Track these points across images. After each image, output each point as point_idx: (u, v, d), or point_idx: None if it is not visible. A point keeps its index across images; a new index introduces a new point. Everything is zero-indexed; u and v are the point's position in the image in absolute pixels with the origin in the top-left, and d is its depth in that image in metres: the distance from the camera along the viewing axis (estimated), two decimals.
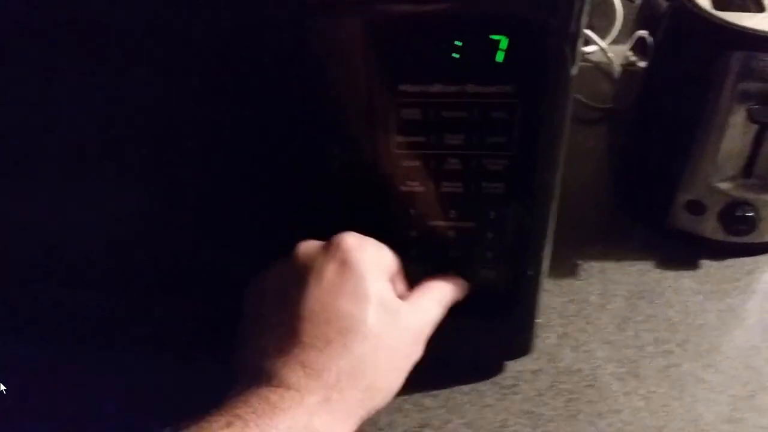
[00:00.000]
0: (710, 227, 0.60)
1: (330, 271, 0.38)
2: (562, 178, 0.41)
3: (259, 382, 0.36)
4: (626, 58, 0.74)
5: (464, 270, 0.45)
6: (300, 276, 0.38)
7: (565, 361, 0.54)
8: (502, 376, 0.53)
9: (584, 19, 0.35)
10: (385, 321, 0.38)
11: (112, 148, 0.43)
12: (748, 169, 0.57)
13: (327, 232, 0.40)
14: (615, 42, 0.83)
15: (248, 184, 0.44)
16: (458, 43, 0.35)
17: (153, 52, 0.38)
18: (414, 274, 0.43)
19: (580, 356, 0.54)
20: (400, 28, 0.35)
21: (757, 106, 0.53)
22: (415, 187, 0.41)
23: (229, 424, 0.33)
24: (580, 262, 0.61)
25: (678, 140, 0.59)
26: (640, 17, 0.70)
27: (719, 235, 0.60)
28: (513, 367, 0.53)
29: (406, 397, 0.51)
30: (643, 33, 0.64)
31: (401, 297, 0.41)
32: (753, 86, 0.53)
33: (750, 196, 0.57)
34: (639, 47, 0.65)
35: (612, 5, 0.82)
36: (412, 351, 0.40)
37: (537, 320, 0.49)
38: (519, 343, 0.50)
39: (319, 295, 0.37)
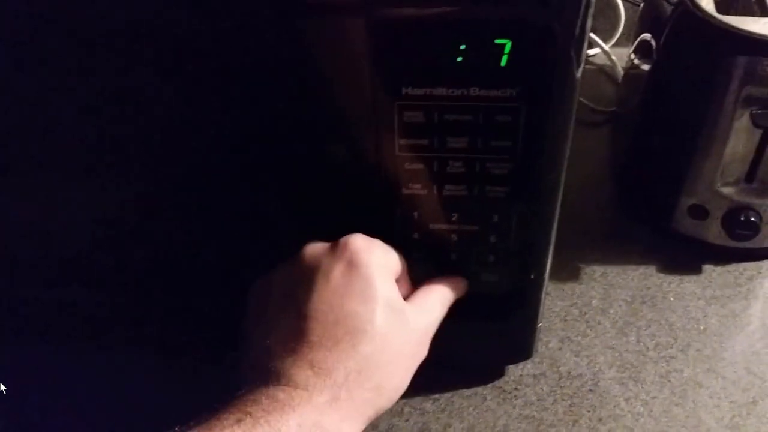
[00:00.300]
0: (713, 232, 0.60)
1: (337, 271, 0.38)
2: (564, 181, 0.41)
3: (267, 382, 0.36)
4: (629, 60, 0.73)
5: (467, 273, 0.44)
6: (307, 277, 0.38)
7: (566, 365, 0.53)
8: (503, 380, 0.53)
9: (589, 22, 0.35)
10: (392, 322, 0.38)
11: (113, 147, 0.43)
12: (751, 174, 0.57)
13: (329, 235, 0.40)
14: (617, 44, 0.83)
15: (250, 185, 0.44)
16: (462, 46, 0.35)
17: (154, 53, 0.38)
18: (416, 276, 0.43)
19: (582, 361, 0.54)
20: (405, 31, 0.34)
21: (760, 111, 0.53)
22: (418, 190, 0.41)
23: (239, 421, 0.33)
24: (582, 265, 0.61)
25: (681, 144, 0.58)
26: (643, 20, 0.70)
27: (722, 240, 0.60)
28: (514, 371, 0.53)
29: (406, 400, 0.51)
30: (646, 36, 0.64)
31: (405, 298, 0.41)
32: (757, 91, 0.53)
33: (753, 201, 0.57)
34: (642, 50, 0.65)
35: (615, 8, 0.82)
36: (418, 351, 0.40)
37: (539, 324, 0.49)
38: (521, 347, 0.50)
39: (326, 295, 0.37)
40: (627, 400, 0.51)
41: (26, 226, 0.47)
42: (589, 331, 0.56)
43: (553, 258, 0.45)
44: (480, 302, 0.46)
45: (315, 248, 0.40)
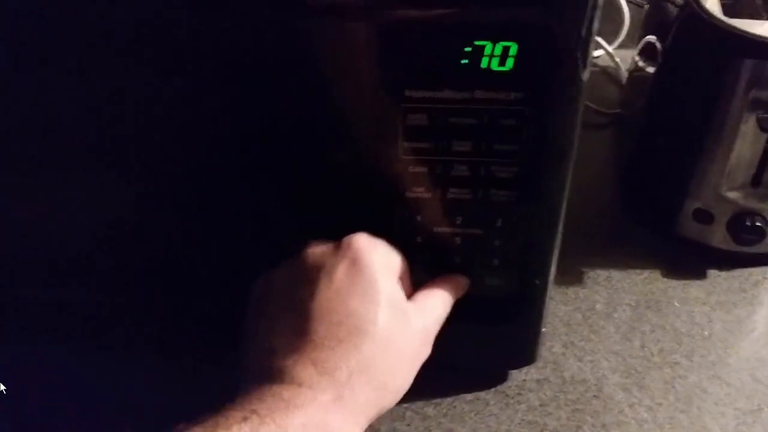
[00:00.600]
0: (718, 237, 0.59)
1: (340, 271, 0.38)
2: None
3: (270, 381, 0.36)
4: (634, 62, 0.73)
5: (470, 277, 0.44)
6: (310, 276, 0.38)
7: (570, 370, 0.53)
8: (506, 385, 0.52)
9: (596, 24, 0.34)
10: (395, 322, 0.38)
11: (113, 147, 0.43)
12: (757, 179, 0.56)
13: (331, 237, 0.40)
14: (621, 46, 0.83)
15: (252, 188, 0.44)
16: (467, 49, 0.34)
17: (156, 53, 0.37)
18: (419, 276, 0.42)
19: (585, 366, 0.53)
20: (410, 33, 0.34)
21: (767, 115, 0.53)
22: (422, 193, 0.41)
23: (245, 419, 0.33)
24: (586, 269, 0.61)
25: (686, 148, 0.58)
26: (648, 22, 0.69)
27: (727, 245, 0.59)
28: (517, 376, 0.53)
29: (408, 404, 0.51)
30: (651, 38, 0.63)
31: (408, 298, 0.41)
32: (763, 94, 0.52)
33: (759, 205, 0.57)
34: (647, 52, 0.65)
35: (619, 9, 0.82)
36: (421, 351, 0.40)
37: (543, 329, 0.48)
38: (524, 351, 0.50)
39: (329, 294, 0.37)
40: (631, 406, 0.51)
41: (26, 226, 0.47)
42: (592, 335, 0.56)
43: (557, 261, 0.44)
44: (483, 306, 0.46)
45: (318, 247, 0.40)
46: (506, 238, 0.42)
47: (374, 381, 0.37)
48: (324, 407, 0.35)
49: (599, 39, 0.80)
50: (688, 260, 0.61)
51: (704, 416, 0.50)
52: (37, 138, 0.43)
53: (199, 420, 0.33)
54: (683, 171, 0.59)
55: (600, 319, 0.57)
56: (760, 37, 0.52)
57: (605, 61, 0.83)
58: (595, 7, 0.33)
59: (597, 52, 0.82)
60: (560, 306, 0.58)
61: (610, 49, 0.81)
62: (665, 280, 0.60)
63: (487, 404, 0.51)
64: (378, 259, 0.39)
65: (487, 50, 0.34)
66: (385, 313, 0.38)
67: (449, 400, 0.51)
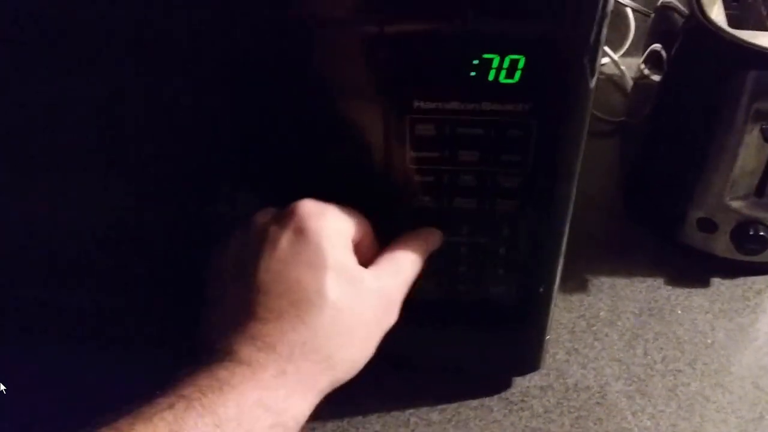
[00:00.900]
0: (722, 245, 0.59)
1: (285, 240, 0.36)
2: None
3: (211, 360, 0.34)
4: (639, 71, 0.73)
5: (475, 285, 0.44)
6: (255, 246, 0.37)
7: (573, 377, 0.53)
8: (510, 391, 0.53)
9: (604, 35, 0.35)
10: (346, 291, 0.36)
11: (113, 147, 0.43)
12: (761, 188, 0.57)
13: None
14: (627, 54, 0.83)
15: (255, 192, 0.44)
16: (475, 61, 0.35)
17: (157, 54, 0.37)
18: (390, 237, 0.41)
19: (589, 373, 0.54)
20: (418, 45, 0.34)
21: None
22: (428, 202, 0.41)
23: (171, 406, 0.31)
24: (590, 277, 0.61)
25: (691, 157, 0.58)
26: (654, 30, 0.70)
27: (730, 254, 0.59)
28: (521, 382, 0.53)
29: (412, 410, 0.51)
30: (657, 47, 0.64)
31: (370, 263, 0.39)
32: (767, 106, 0.53)
33: (762, 215, 0.57)
34: (652, 60, 0.65)
35: (625, 18, 0.82)
36: (383, 318, 0.38)
37: (547, 336, 0.49)
38: (528, 358, 0.50)
39: (272, 265, 0.36)
40: (634, 413, 0.51)
41: (26, 226, 0.47)
42: (596, 343, 0.56)
43: (561, 269, 0.45)
44: (488, 313, 0.46)
45: (264, 215, 0.38)
46: (512, 247, 0.42)
47: (320, 353, 0.35)
48: (263, 385, 0.33)
49: (605, 47, 0.81)
50: (691, 269, 0.61)
51: (706, 424, 0.50)
52: (37, 138, 0.42)
53: (124, 410, 0.31)
54: (687, 180, 0.59)
55: (604, 326, 0.57)
56: (765, 48, 0.52)
57: (610, 69, 0.83)
58: (603, 21, 0.34)
59: (602, 60, 0.83)
60: (564, 313, 0.58)
61: (615, 56, 0.82)
62: (669, 288, 0.60)
63: (491, 410, 0.51)
64: (326, 224, 0.37)
65: (495, 63, 0.34)
66: (332, 281, 0.35)
67: (454, 406, 0.52)
